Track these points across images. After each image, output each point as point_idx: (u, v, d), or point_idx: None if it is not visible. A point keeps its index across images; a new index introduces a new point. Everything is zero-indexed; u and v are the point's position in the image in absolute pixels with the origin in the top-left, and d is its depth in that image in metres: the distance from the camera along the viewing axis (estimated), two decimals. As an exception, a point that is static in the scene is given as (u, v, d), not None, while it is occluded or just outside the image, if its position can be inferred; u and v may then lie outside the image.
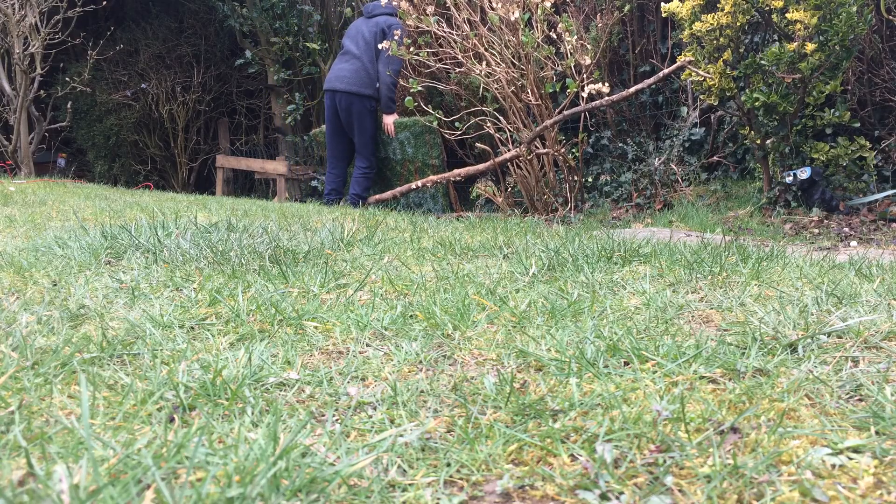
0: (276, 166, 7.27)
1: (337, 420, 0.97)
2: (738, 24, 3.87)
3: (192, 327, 1.37)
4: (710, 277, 1.71)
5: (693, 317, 1.41)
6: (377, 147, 5.53)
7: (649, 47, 5.50)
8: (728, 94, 4.08)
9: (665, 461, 0.83)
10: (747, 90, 3.95)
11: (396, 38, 5.07)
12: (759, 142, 4.13)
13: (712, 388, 1.04)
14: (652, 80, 4.51)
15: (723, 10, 3.89)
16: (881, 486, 0.77)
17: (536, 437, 0.89)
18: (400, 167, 5.68)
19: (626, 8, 5.30)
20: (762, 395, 0.99)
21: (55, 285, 1.67)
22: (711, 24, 3.92)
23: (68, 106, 7.48)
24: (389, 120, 5.30)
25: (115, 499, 0.72)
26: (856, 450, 0.84)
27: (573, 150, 5.04)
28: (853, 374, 1.06)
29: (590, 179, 5.35)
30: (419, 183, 5.23)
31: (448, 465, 0.84)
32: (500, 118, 4.87)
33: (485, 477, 0.82)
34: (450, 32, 4.88)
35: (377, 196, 5.63)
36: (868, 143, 3.90)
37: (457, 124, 5.13)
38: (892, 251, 2.76)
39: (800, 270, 1.79)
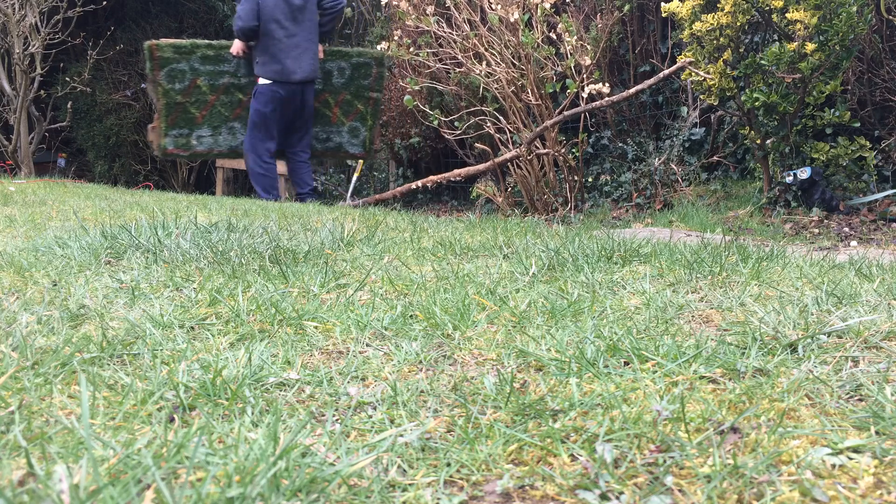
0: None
1: (337, 420, 0.97)
2: (738, 23, 3.87)
3: (192, 327, 1.37)
4: (710, 277, 1.71)
5: (693, 317, 1.41)
6: None
7: (649, 47, 5.50)
8: (728, 94, 4.08)
9: (665, 461, 0.83)
10: (747, 90, 3.95)
11: None
12: (759, 142, 4.13)
13: (712, 388, 1.04)
14: (652, 80, 4.51)
15: (723, 9, 3.89)
16: (881, 486, 0.77)
17: (536, 437, 0.89)
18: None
19: (626, 8, 5.30)
20: (762, 395, 0.99)
21: (55, 285, 1.67)
22: (711, 24, 3.92)
23: (68, 106, 7.48)
24: (321, 46, 5.29)
25: (115, 499, 0.72)
26: (856, 450, 0.84)
27: (573, 150, 5.04)
28: (853, 374, 1.06)
29: (590, 179, 5.35)
30: (419, 183, 5.24)
31: (448, 465, 0.84)
32: (501, 118, 4.87)
33: (485, 477, 0.82)
34: (450, 32, 4.88)
35: (377, 196, 5.62)
36: (868, 143, 3.90)
37: (456, 124, 5.13)
38: (892, 251, 2.76)
39: (800, 270, 1.79)
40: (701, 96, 4.31)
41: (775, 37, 3.99)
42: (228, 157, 6.01)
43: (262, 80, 5.17)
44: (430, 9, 4.92)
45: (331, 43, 5.44)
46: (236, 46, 5.21)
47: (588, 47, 4.67)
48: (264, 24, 5.07)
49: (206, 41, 5.38)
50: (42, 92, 7.20)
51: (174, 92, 5.29)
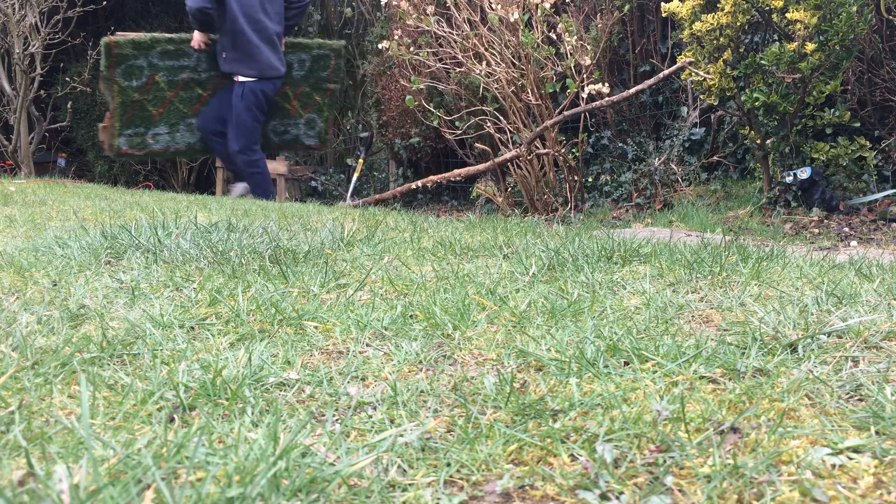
0: (275, 166, 7.27)
1: (337, 420, 0.97)
2: (738, 23, 3.87)
3: (192, 327, 1.37)
4: (710, 277, 1.71)
5: (693, 317, 1.41)
6: None
7: (649, 47, 5.50)
8: (728, 94, 4.08)
9: (665, 461, 0.83)
10: (747, 90, 3.95)
11: None
12: (759, 142, 4.13)
13: (712, 388, 1.04)
14: (652, 80, 4.51)
15: (723, 9, 3.89)
16: (881, 486, 0.77)
17: (536, 437, 0.89)
18: None
19: (626, 8, 5.30)
20: (762, 395, 0.99)
21: (55, 285, 1.67)
22: (711, 24, 3.92)
23: (68, 106, 7.48)
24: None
25: (115, 499, 0.72)
26: (856, 450, 0.84)
27: (573, 150, 5.04)
28: (853, 374, 1.06)
29: (590, 179, 5.35)
30: (419, 183, 5.24)
31: (448, 465, 0.84)
32: (501, 118, 4.87)
33: (485, 477, 0.82)
34: (450, 32, 4.88)
35: (377, 196, 5.62)
36: (868, 143, 3.90)
37: (457, 123, 5.13)
38: (892, 251, 2.76)
39: (800, 270, 1.79)
40: (701, 96, 4.31)
41: (775, 37, 3.99)
42: (185, 155, 5.91)
43: (242, 79, 5.06)
44: (430, 9, 4.92)
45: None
46: (197, 39, 5.06)
47: (588, 47, 4.67)
48: (234, 17, 4.93)
49: (167, 35, 5.14)
50: (42, 92, 7.20)
51: (131, 89, 5.04)
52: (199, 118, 5.32)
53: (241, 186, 5.32)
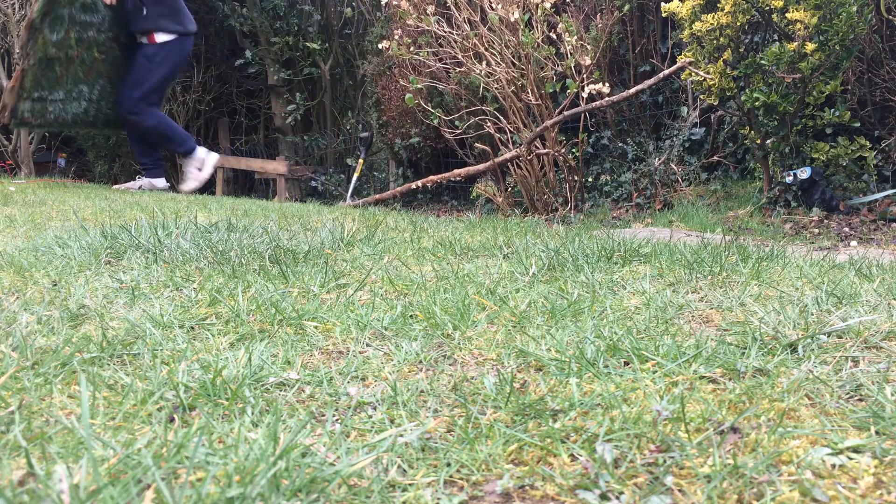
0: (276, 166, 7.28)
1: (337, 420, 0.97)
2: (738, 23, 3.88)
3: (192, 327, 1.37)
4: (710, 277, 1.71)
5: (693, 317, 1.41)
6: None
7: (649, 47, 5.50)
8: (728, 94, 4.08)
9: (665, 461, 0.83)
10: (747, 90, 3.95)
11: None
12: (759, 142, 4.13)
13: (712, 388, 1.04)
14: (652, 80, 4.51)
15: (723, 9, 3.89)
16: (881, 486, 0.77)
17: (536, 437, 0.89)
18: None
19: (626, 8, 5.30)
20: (762, 395, 0.99)
21: (55, 285, 1.67)
22: (711, 24, 3.92)
23: (68, 106, 7.47)
24: None
25: (115, 499, 0.72)
26: (856, 450, 0.84)
27: (573, 150, 5.04)
28: (853, 374, 1.06)
29: (590, 179, 5.35)
30: (419, 183, 5.24)
31: (448, 465, 0.84)
32: (501, 118, 4.87)
33: (485, 477, 0.82)
34: (450, 32, 4.88)
35: (377, 196, 5.62)
36: (868, 143, 3.90)
37: (457, 123, 5.13)
38: (892, 251, 2.76)
39: (800, 270, 1.79)
40: (701, 96, 4.32)
41: (775, 37, 3.99)
42: (71, 127, 5.48)
43: (163, 38, 4.85)
44: (430, 8, 4.92)
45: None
46: None
47: (588, 47, 4.67)
48: None
49: None
50: (42, 92, 7.18)
51: (51, 44, 4.68)
52: (119, 101, 5.06)
53: (145, 181, 5.20)
